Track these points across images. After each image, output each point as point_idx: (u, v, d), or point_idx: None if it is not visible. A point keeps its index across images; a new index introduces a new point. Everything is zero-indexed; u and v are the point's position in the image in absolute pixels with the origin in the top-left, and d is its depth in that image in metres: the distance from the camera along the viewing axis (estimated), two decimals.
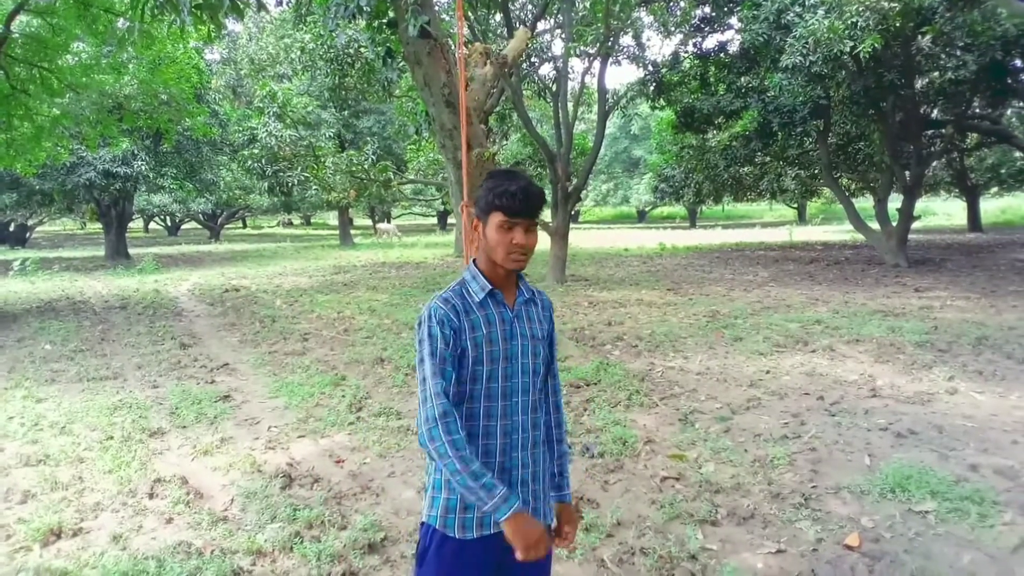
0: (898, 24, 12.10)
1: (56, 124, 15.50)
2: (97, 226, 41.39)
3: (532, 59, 17.53)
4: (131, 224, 38.32)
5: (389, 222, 48.65)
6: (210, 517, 4.40)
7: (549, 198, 18.89)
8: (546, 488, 2.27)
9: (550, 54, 18.44)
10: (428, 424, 2.00)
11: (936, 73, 16.38)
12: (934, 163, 25.18)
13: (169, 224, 52.33)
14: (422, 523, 2.20)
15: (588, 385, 7.21)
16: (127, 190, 25.39)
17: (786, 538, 3.96)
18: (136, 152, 23.69)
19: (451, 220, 45.27)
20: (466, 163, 7.52)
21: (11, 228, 39.39)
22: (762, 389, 6.94)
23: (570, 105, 16.94)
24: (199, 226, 50.58)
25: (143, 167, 23.85)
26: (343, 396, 7.05)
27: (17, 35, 12.92)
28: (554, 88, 17.65)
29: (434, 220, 53.81)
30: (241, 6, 6.01)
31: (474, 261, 2.20)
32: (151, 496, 4.77)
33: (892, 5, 11.46)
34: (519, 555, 2.00)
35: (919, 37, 14.33)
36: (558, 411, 2.38)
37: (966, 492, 4.35)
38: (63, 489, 4.88)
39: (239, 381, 7.99)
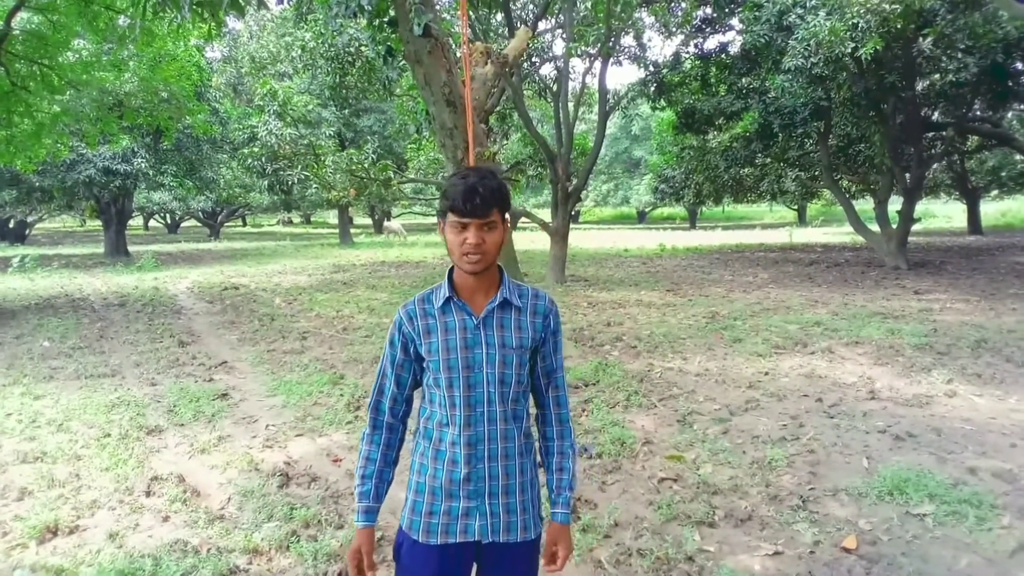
0: (899, 26, 12.10)
1: (56, 121, 15.48)
2: (97, 223, 41.41)
3: (533, 59, 17.52)
4: (131, 221, 38.26)
5: (390, 220, 48.60)
6: (207, 515, 4.39)
7: (549, 198, 18.83)
8: (529, 501, 2.18)
9: (551, 54, 18.42)
10: (369, 410, 2.23)
11: (937, 75, 16.39)
12: (934, 165, 25.20)
13: (169, 222, 52.29)
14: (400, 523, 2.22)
15: (587, 386, 7.20)
16: (127, 187, 25.39)
17: (783, 540, 3.96)
18: (136, 149, 23.69)
19: None
20: (472, 162, 7.52)
21: (10, 225, 39.37)
22: (761, 391, 6.93)
23: (571, 105, 16.93)
24: (199, 224, 50.58)
25: (143, 164, 23.85)
26: (341, 395, 7.04)
27: (18, 32, 12.90)
28: (555, 88, 17.64)
29: (434, 219, 53.73)
30: (242, 3, 6.00)
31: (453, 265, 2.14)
32: (148, 494, 4.76)
33: (893, 7, 11.46)
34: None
35: (920, 39, 14.33)
36: (560, 424, 2.25)
37: (964, 495, 4.34)
38: (60, 486, 4.88)
39: (237, 379, 7.99)
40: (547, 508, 2.25)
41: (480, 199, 1.95)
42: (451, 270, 2.12)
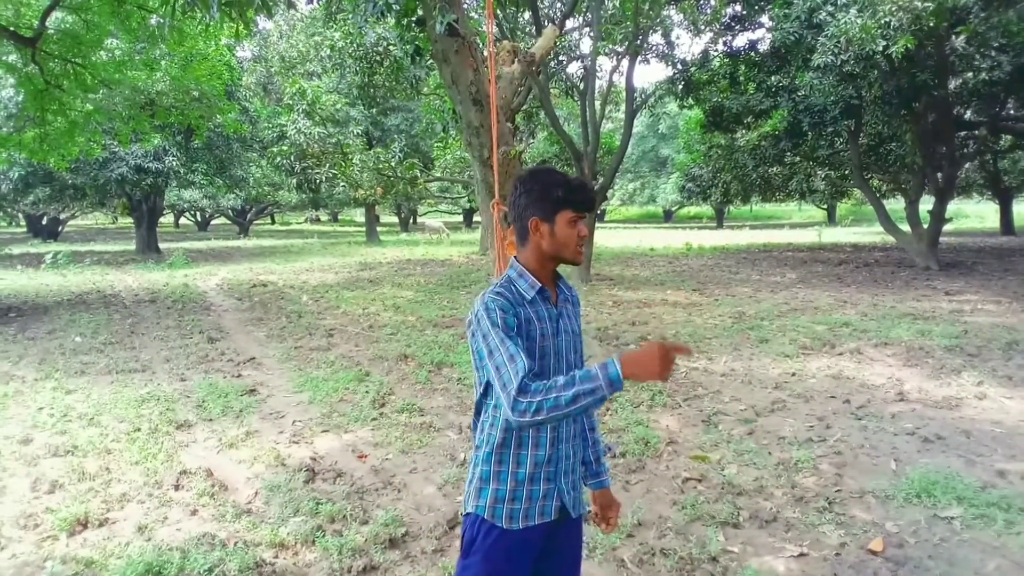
0: (932, 24, 11.92)
1: (89, 119, 15.70)
2: (128, 220, 41.96)
3: (560, 57, 17.50)
4: (161, 219, 38.77)
5: (415, 221, 48.78)
6: (234, 509, 4.45)
7: None
8: (580, 477, 2.33)
9: (578, 52, 18.40)
10: (519, 395, 1.89)
11: (970, 74, 16.14)
12: (967, 165, 24.82)
13: (199, 219, 52.84)
14: (467, 514, 2.22)
15: None
16: (158, 185, 25.69)
17: (809, 542, 3.93)
18: (167, 148, 23.96)
19: (476, 218, 45.28)
20: (496, 161, 7.53)
21: (44, 222, 40.01)
22: (787, 391, 6.88)
23: (597, 104, 16.90)
24: (228, 222, 51.02)
25: (174, 163, 24.12)
26: (367, 392, 7.09)
27: (52, 31, 13.10)
28: (582, 86, 17.61)
29: (460, 218, 53.89)
30: (270, 3, 6.05)
31: (516, 260, 2.21)
32: (176, 488, 4.83)
33: (926, 5, 11.30)
34: (660, 374, 1.85)
35: (953, 37, 14.12)
36: None
37: (993, 498, 4.29)
38: (90, 480, 4.96)
39: (265, 375, 8.07)
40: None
41: (592, 193, 2.15)
42: (518, 266, 2.19)
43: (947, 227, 19.49)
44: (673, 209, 57.57)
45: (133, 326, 11.28)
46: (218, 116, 19.09)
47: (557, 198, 2.09)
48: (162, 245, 29.61)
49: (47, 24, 12.47)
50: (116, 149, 22.70)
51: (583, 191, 2.13)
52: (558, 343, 2.16)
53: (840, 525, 4.10)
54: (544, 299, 2.16)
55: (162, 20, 11.25)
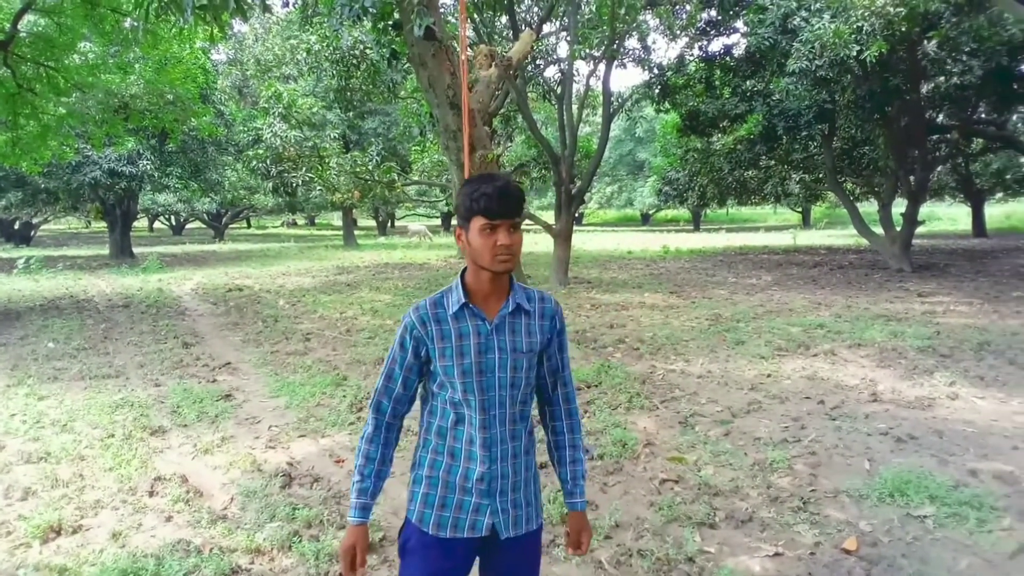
0: (904, 29, 12.09)
1: (62, 123, 15.55)
2: (101, 225, 41.57)
3: (537, 61, 17.55)
4: (135, 223, 38.41)
5: (393, 224, 48.63)
6: (209, 515, 4.41)
7: (553, 200, 18.84)
8: (532, 494, 2.26)
9: (555, 56, 18.45)
10: (370, 410, 2.26)
11: (942, 78, 16.39)
12: (939, 168, 25.14)
13: (173, 223, 52.42)
14: (406, 516, 2.23)
15: (589, 387, 7.22)
16: (132, 189, 25.48)
17: (784, 541, 3.96)
18: (141, 151, 23.77)
19: (454, 221, 45.16)
20: (468, 165, 7.54)
21: (16, 226, 39.46)
22: (763, 393, 6.94)
23: (575, 107, 16.95)
24: (203, 226, 50.66)
25: (148, 166, 23.93)
26: (344, 396, 7.06)
27: (24, 34, 12.96)
28: (559, 90, 17.67)
29: (438, 221, 53.83)
30: (245, 7, 6.02)
31: (464, 269, 2.17)
32: (151, 494, 4.78)
33: (898, 10, 11.46)
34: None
35: (925, 42, 14.34)
36: (570, 419, 2.33)
37: (965, 497, 4.35)
38: (64, 486, 4.90)
39: (241, 380, 8.01)
40: (544, 505, 2.28)
41: (512, 200, 2.03)
42: (462, 275, 2.15)
43: (920, 229, 19.73)
44: (650, 212, 57.79)
45: (107, 331, 11.16)
46: (193, 119, 18.98)
47: (468, 204, 2.04)
48: (136, 249, 29.34)
49: (19, 27, 12.35)
50: (89, 153, 22.49)
51: (493, 198, 2.01)
52: (487, 361, 2.09)
53: (815, 525, 4.14)
54: (472, 314, 2.10)
55: (136, 23, 11.19)
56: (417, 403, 2.29)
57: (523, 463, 2.21)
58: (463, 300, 2.09)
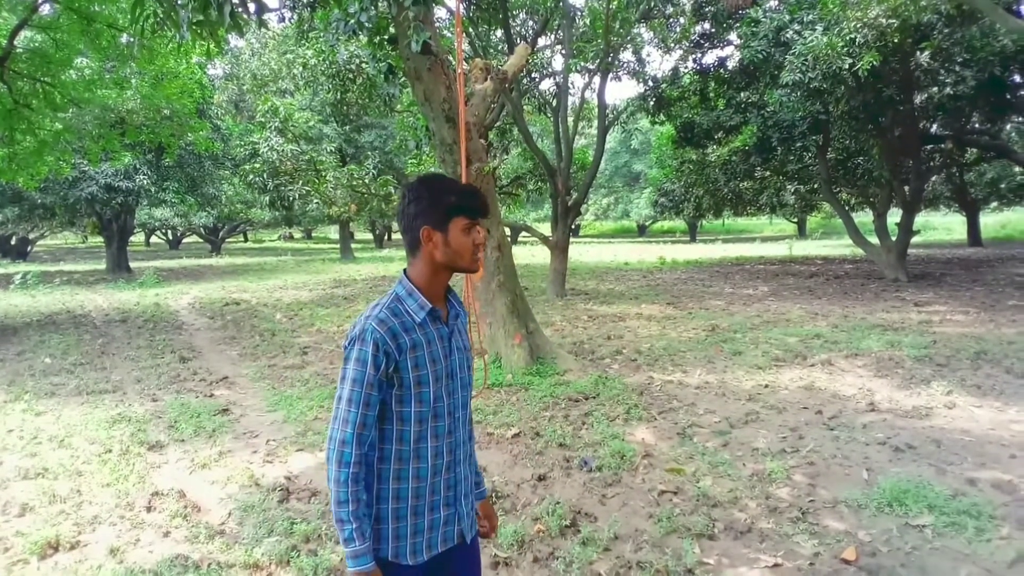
0: (896, 40, 12.17)
1: (58, 138, 15.54)
2: (98, 240, 41.50)
3: (532, 74, 17.60)
4: (132, 238, 38.38)
5: (390, 237, 48.61)
6: (207, 530, 4.40)
7: (549, 212, 18.86)
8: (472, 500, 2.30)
9: (550, 69, 18.52)
10: (342, 446, 1.96)
11: (935, 88, 16.45)
12: (933, 178, 25.28)
13: (170, 238, 52.41)
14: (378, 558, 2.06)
15: (586, 399, 7.21)
16: (129, 204, 25.47)
17: (783, 552, 3.96)
18: (138, 166, 23.77)
19: None
20: (465, 177, 7.56)
21: (12, 242, 39.47)
22: (760, 403, 6.94)
23: (570, 120, 17.01)
24: (200, 240, 50.65)
25: (145, 181, 23.93)
26: None
27: (21, 50, 12.99)
28: (554, 103, 17.72)
29: None
30: (241, 22, 6.04)
31: (406, 274, 2.10)
32: (149, 509, 4.77)
33: (890, 21, 11.54)
34: None
35: (918, 53, 14.40)
36: (465, 408, 2.24)
37: (963, 506, 4.35)
38: (61, 502, 4.89)
39: (238, 394, 8.00)
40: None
41: (484, 198, 2.08)
42: (407, 284, 2.09)
43: (915, 239, 19.80)
44: (647, 223, 57.91)
45: (104, 346, 11.14)
46: (189, 134, 19.00)
47: (449, 205, 2.02)
48: (133, 264, 29.31)
49: (16, 43, 12.37)
50: (86, 168, 22.50)
51: (475, 196, 2.06)
52: (451, 363, 2.10)
53: (814, 535, 4.14)
54: (435, 319, 2.08)
55: (132, 39, 11.22)
56: None
57: (471, 465, 2.26)
58: (428, 305, 2.06)
